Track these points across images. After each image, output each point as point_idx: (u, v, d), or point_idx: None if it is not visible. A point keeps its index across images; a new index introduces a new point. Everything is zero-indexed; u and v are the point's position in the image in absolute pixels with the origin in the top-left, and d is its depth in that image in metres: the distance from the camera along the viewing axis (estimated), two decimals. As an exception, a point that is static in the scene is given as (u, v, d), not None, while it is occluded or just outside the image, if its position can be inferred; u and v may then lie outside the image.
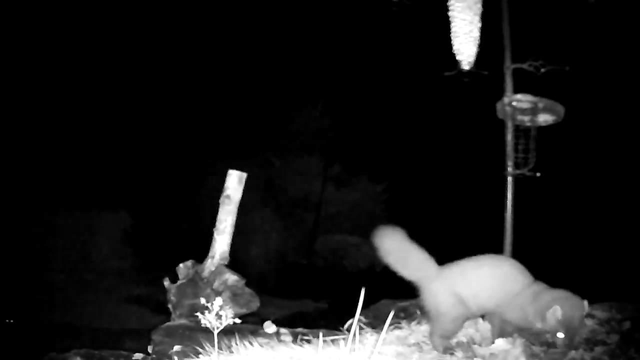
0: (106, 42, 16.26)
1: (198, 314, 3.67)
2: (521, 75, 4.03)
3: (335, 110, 20.71)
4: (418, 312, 5.01)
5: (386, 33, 17.94)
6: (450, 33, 4.02)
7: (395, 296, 5.84)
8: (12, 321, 11.38)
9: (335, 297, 15.27)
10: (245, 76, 18.71)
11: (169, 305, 5.35)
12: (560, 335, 3.20)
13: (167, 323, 4.98)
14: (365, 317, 3.67)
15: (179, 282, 5.40)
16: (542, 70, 3.95)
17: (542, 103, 4.11)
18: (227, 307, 3.74)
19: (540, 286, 3.44)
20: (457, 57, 4.04)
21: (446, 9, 4.01)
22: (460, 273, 3.61)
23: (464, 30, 3.97)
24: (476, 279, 3.51)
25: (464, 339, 3.71)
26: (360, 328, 3.39)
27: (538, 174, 4.02)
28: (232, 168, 5.65)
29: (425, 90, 17.72)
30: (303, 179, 21.06)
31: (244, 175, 5.61)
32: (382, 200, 22.11)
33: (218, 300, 3.60)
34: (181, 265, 5.50)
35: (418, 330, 4.08)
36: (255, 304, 5.31)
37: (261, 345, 3.79)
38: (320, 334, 3.42)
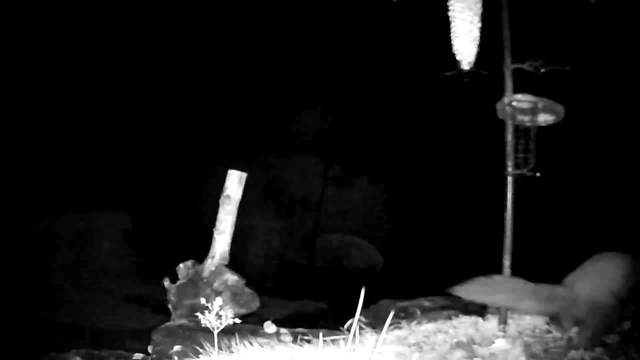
0: (106, 42, 16.26)
1: (198, 314, 3.68)
2: (521, 75, 4.03)
3: (335, 110, 20.71)
4: (418, 312, 5.02)
5: (386, 33, 17.94)
6: (450, 33, 4.02)
7: (395, 296, 5.86)
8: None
9: (335, 297, 15.27)
10: (245, 76, 18.70)
11: (169, 305, 5.36)
12: None
13: (167, 323, 4.98)
14: (365, 317, 3.67)
15: (179, 282, 5.41)
16: (542, 70, 3.94)
17: (542, 103, 4.11)
18: (227, 307, 3.74)
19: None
20: (457, 57, 4.03)
21: (446, 9, 4.01)
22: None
23: (464, 30, 3.96)
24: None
25: (464, 339, 3.71)
26: (360, 328, 3.39)
27: (538, 174, 4.01)
28: (232, 168, 5.66)
29: (425, 90, 17.72)
30: (303, 179, 21.06)
31: (244, 175, 5.63)
32: (382, 200, 22.11)
33: (218, 300, 3.61)
34: (181, 265, 5.51)
35: (418, 330, 4.08)
36: (255, 304, 5.33)
37: (261, 345, 3.80)
38: (320, 334, 3.43)
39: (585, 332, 3.59)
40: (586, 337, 3.56)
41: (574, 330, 3.72)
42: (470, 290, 3.80)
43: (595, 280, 3.74)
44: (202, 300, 3.73)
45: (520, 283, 3.80)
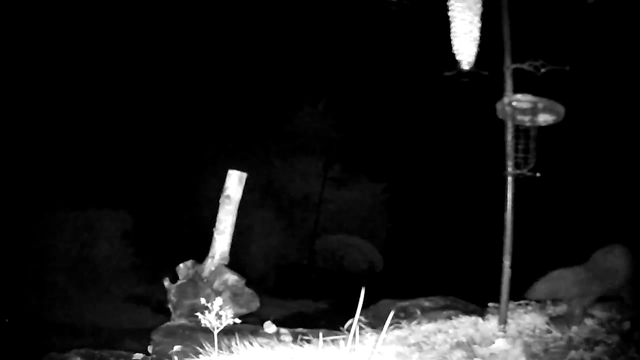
0: (106, 42, 16.26)
1: (198, 314, 3.67)
2: (521, 75, 4.02)
3: (336, 110, 20.73)
4: (418, 312, 5.02)
5: (386, 33, 17.95)
6: (450, 33, 4.01)
7: (395, 296, 5.85)
8: (7, 320, 11.35)
9: (335, 297, 15.28)
10: (246, 76, 18.71)
11: (169, 305, 5.35)
12: None
13: (167, 323, 4.98)
14: (365, 317, 3.67)
15: (179, 282, 5.40)
16: (542, 70, 3.94)
17: (542, 103, 4.10)
18: (227, 307, 3.74)
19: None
20: (457, 57, 4.03)
21: (446, 9, 4.00)
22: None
23: (464, 30, 3.95)
24: None
25: (464, 339, 3.71)
26: (360, 328, 3.38)
27: (538, 174, 4.00)
28: (232, 168, 5.66)
29: (425, 90, 17.72)
30: (303, 179, 21.06)
31: (244, 175, 5.62)
32: (382, 200, 22.12)
33: (218, 300, 3.61)
34: (181, 265, 5.50)
35: (418, 330, 4.08)
36: (255, 304, 5.32)
37: (261, 345, 3.80)
38: (320, 334, 3.43)
39: (628, 294, 4.14)
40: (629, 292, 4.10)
41: (574, 330, 3.73)
42: (544, 291, 4.18)
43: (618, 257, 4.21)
44: (202, 300, 3.73)
45: (579, 271, 4.11)
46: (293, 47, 18.96)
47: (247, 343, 3.79)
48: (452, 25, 3.99)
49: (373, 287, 4.12)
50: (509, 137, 4.02)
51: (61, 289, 14.03)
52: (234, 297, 5.18)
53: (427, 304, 5.54)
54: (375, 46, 19.35)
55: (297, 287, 17.57)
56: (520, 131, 4.08)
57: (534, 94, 4.09)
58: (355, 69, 19.69)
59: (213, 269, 5.38)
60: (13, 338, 10.32)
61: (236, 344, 3.78)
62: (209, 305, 3.58)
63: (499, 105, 4.15)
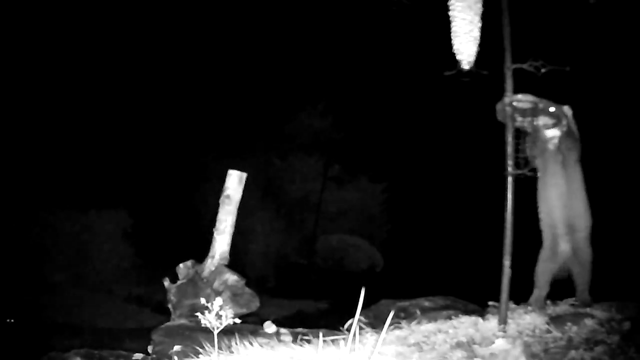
0: (106, 43, 16.27)
1: (198, 314, 3.67)
2: (521, 76, 4.02)
3: (336, 110, 20.74)
4: (418, 312, 5.01)
5: (386, 33, 17.96)
6: (450, 33, 4.01)
7: (395, 296, 5.85)
8: (12, 321, 11.39)
9: (335, 297, 15.28)
10: (246, 77, 18.73)
11: (169, 305, 5.35)
12: None
13: (167, 323, 4.98)
14: (365, 317, 3.66)
15: (179, 282, 5.40)
16: (543, 70, 3.93)
17: (542, 104, 4.10)
18: (227, 307, 3.73)
19: None
20: (457, 57, 4.02)
21: (446, 9, 4.00)
22: None
23: (464, 30, 3.95)
24: None
25: (464, 339, 3.71)
26: (360, 328, 3.38)
27: (538, 174, 4.00)
28: (232, 168, 5.66)
29: (425, 90, 17.73)
30: (303, 179, 21.08)
31: (244, 175, 5.62)
32: (382, 200, 22.13)
33: (218, 300, 3.60)
34: (181, 265, 5.50)
35: (418, 330, 4.07)
36: (255, 304, 5.31)
37: (261, 345, 3.80)
38: (320, 334, 3.42)
39: None
40: None
41: (573, 330, 3.73)
42: None
43: None
44: (202, 300, 3.72)
45: None
46: (293, 48, 18.98)
47: (247, 343, 3.78)
48: (452, 24, 3.98)
49: (373, 287, 4.12)
50: (509, 137, 4.01)
51: (61, 288, 14.04)
52: (234, 297, 5.18)
53: (427, 304, 5.53)
54: (376, 46, 19.38)
55: (297, 287, 17.58)
56: (521, 131, 4.07)
57: (534, 94, 4.09)
58: (356, 69, 19.72)
59: (213, 269, 5.38)
60: (13, 338, 10.33)
61: (236, 344, 3.77)
62: (209, 305, 3.58)
63: (499, 106, 4.14)
